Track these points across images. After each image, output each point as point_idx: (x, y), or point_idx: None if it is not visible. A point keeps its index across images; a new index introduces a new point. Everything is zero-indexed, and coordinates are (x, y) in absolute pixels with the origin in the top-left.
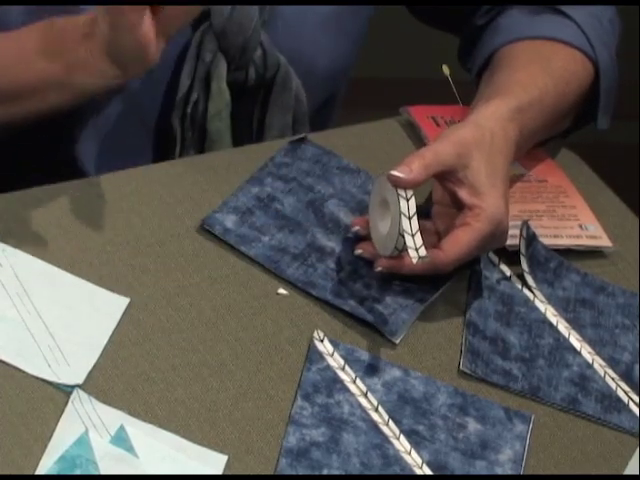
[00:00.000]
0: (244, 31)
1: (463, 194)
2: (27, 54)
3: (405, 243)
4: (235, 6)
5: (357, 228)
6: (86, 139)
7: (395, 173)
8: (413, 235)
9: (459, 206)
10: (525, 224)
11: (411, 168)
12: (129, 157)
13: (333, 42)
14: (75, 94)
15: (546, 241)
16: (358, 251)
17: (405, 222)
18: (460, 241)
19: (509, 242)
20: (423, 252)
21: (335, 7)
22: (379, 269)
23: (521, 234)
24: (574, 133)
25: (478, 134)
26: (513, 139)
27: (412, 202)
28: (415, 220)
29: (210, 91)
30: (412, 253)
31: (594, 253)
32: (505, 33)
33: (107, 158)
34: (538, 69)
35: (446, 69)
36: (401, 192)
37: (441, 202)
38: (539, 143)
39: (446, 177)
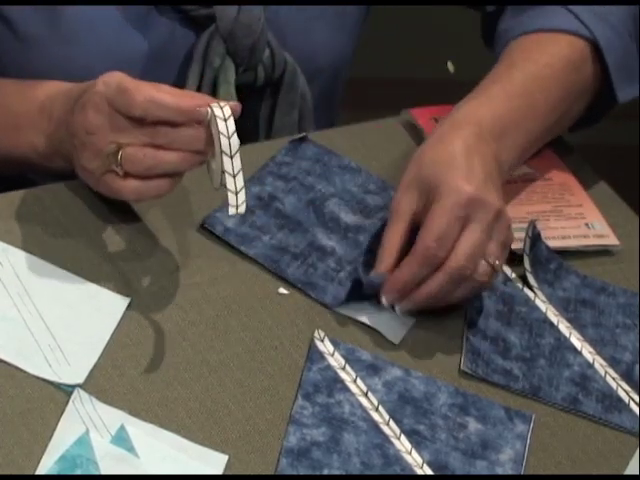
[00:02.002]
0: (252, 32)
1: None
2: (32, 117)
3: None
4: (241, 8)
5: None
6: None
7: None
8: (234, 176)
9: None
10: (532, 224)
11: (383, 263)
12: None
13: (332, 37)
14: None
15: (554, 243)
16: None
17: (226, 161)
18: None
19: (514, 246)
20: (243, 209)
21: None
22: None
23: (527, 234)
24: (578, 132)
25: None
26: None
27: (231, 123)
28: (238, 159)
29: (218, 96)
30: (231, 202)
31: (595, 251)
32: (504, 34)
33: None
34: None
35: (451, 66)
36: (217, 111)
37: None
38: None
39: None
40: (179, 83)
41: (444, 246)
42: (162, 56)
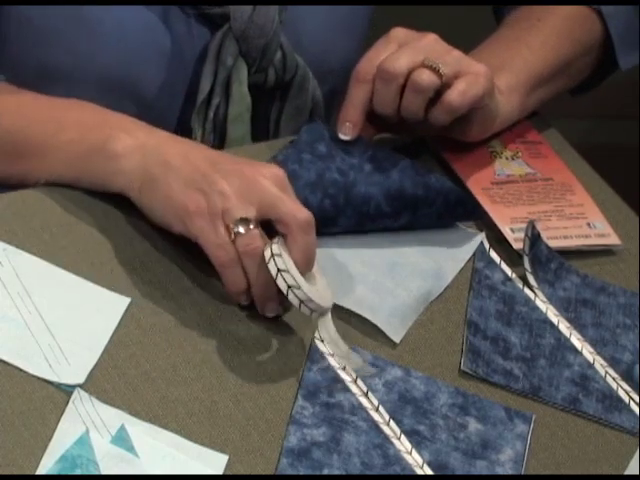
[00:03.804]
0: (265, 34)
1: None
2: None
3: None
4: (255, 9)
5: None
6: None
7: None
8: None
9: None
10: (531, 224)
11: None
12: None
13: (342, 41)
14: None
15: (556, 243)
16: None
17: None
18: None
19: (515, 246)
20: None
21: (344, 6)
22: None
23: (526, 234)
24: (577, 130)
25: None
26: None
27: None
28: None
29: (231, 95)
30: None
31: (595, 251)
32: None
33: None
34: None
35: None
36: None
37: None
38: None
39: None
40: (194, 81)
41: (371, 61)
42: (179, 54)
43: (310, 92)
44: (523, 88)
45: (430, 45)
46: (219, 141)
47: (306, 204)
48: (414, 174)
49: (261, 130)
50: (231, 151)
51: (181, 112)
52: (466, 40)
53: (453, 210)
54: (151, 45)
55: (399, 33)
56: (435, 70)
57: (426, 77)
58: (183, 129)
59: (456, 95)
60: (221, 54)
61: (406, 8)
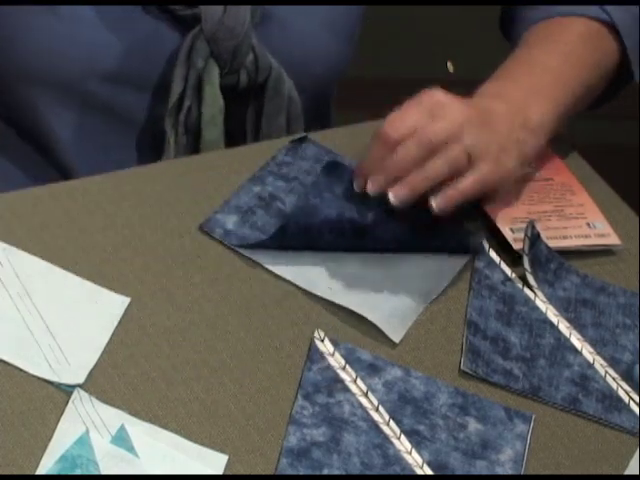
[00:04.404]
0: (236, 36)
1: None
2: None
3: None
4: (226, 10)
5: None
6: (70, 135)
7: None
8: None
9: None
10: (530, 224)
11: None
12: (113, 155)
13: (327, 42)
14: None
15: (555, 243)
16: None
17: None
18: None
19: (515, 246)
20: None
21: (328, 7)
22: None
23: (526, 234)
24: (577, 130)
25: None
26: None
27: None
28: None
29: (203, 97)
30: None
31: (595, 251)
32: (522, 22)
33: (91, 154)
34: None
35: (451, 66)
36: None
37: None
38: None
39: None
40: (166, 83)
41: (396, 128)
42: (149, 55)
43: (286, 93)
44: (553, 123)
45: (457, 124)
46: (193, 143)
47: (320, 239)
48: (429, 226)
49: (238, 132)
50: (228, 152)
51: (151, 114)
52: (458, 39)
53: (457, 250)
54: (115, 44)
55: (429, 100)
56: (465, 151)
57: (439, 168)
58: (155, 130)
59: (439, 200)
60: (192, 56)
61: (405, 8)
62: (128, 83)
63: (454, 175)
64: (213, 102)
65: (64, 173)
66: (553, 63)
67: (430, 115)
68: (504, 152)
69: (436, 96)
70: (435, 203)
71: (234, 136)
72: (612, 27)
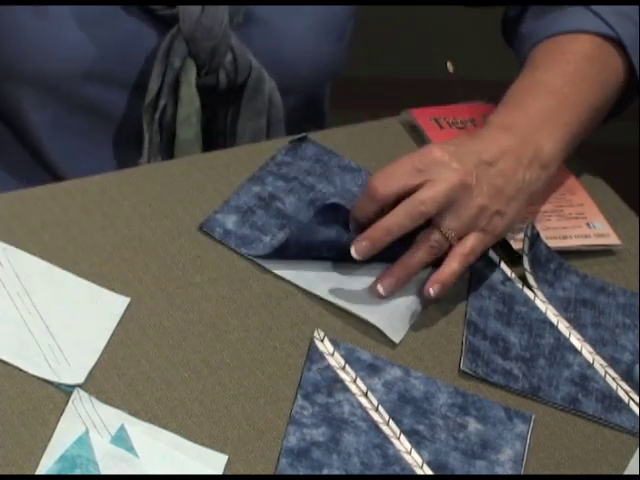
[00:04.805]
0: (214, 36)
1: None
2: None
3: None
4: (204, 10)
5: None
6: (48, 124)
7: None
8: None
9: None
10: (530, 224)
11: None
12: (96, 153)
13: (314, 43)
14: None
15: (554, 243)
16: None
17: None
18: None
19: (514, 246)
20: None
21: (315, 8)
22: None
23: (526, 234)
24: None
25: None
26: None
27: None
28: None
29: (179, 96)
30: None
31: (595, 251)
32: (527, 39)
33: (75, 152)
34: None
35: (450, 66)
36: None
37: None
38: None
39: None
40: (145, 82)
41: (385, 184)
42: (128, 54)
43: (266, 94)
44: (564, 152)
45: (454, 194)
46: (168, 142)
47: (320, 257)
48: None
49: (216, 132)
50: (228, 152)
51: (128, 113)
52: (458, 39)
53: None
54: (96, 43)
55: (424, 159)
56: (445, 236)
57: (423, 259)
58: (136, 129)
59: (431, 284)
60: (170, 55)
61: (405, 8)
62: (110, 82)
63: (439, 254)
64: (189, 102)
65: (51, 172)
66: (558, 84)
67: (421, 176)
68: (509, 202)
69: (432, 154)
70: (433, 292)
71: (212, 137)
72: (617, 41)
